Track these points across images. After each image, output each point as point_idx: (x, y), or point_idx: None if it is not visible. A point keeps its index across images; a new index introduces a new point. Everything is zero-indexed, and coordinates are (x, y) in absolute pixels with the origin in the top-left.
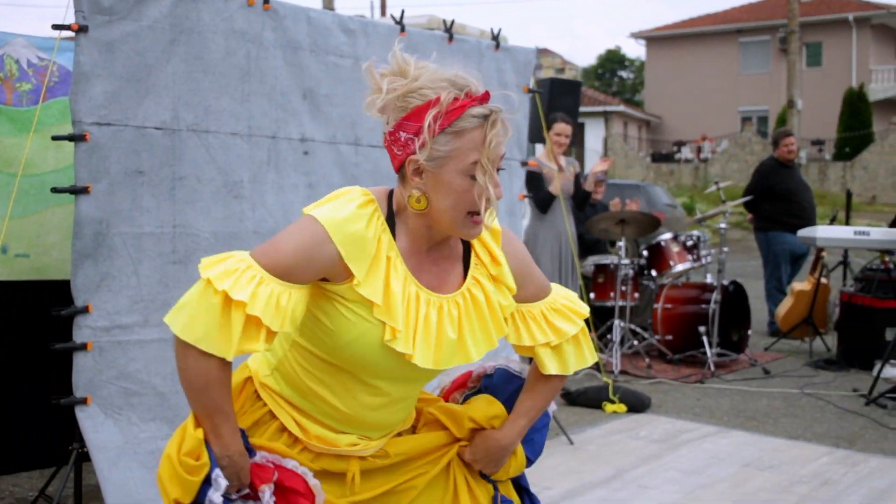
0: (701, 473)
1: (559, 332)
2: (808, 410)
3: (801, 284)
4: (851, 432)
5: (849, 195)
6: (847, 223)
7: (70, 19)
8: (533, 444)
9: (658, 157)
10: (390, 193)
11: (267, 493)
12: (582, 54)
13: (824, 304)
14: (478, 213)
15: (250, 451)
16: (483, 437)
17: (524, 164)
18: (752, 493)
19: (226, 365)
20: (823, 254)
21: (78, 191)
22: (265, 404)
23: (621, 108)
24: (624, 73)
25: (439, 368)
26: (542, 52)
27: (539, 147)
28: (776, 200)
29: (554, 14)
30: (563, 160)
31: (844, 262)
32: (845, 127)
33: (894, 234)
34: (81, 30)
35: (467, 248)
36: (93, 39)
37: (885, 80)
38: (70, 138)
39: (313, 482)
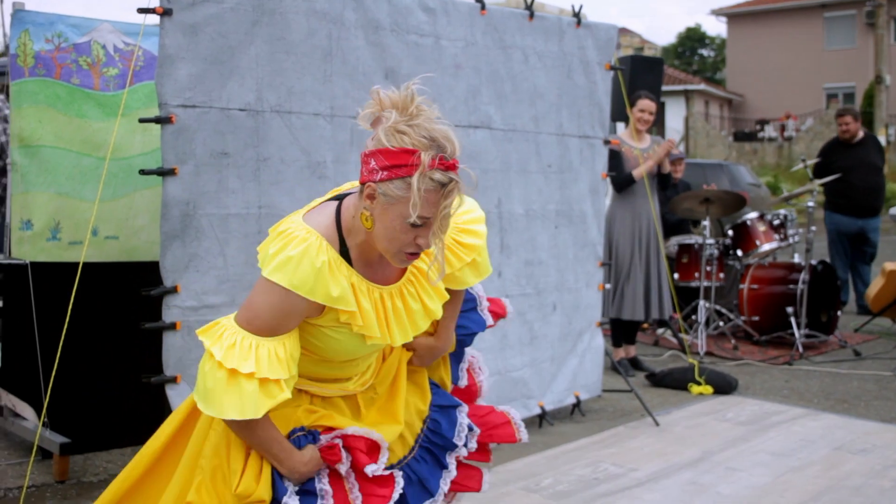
0: (791, 456)
1: (472, 248)
2: None
3: (893, 264)
4: None
5: None
6: None
7: (154, 2)
8: (470, 322)
9: (741, 136)
10: (338, 209)
11: (343, 469)
12: (661, 33)
13: None
14: (415, 254)
15: (314, 436)
16: (427, 347)
17: (606, 142)
18: (844, 477)
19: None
20: None
21: (165, 172)
22: None
23: (702, 86)
24: (704, 52)
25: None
26: (621, 32)
27: (620, 126)
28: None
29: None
30: (647, 139)
31: None
32: None
33: None
34: (166, 13)
35: None
36: (177, 22)
37: None
38: (157, 120)
39: (375, 436)
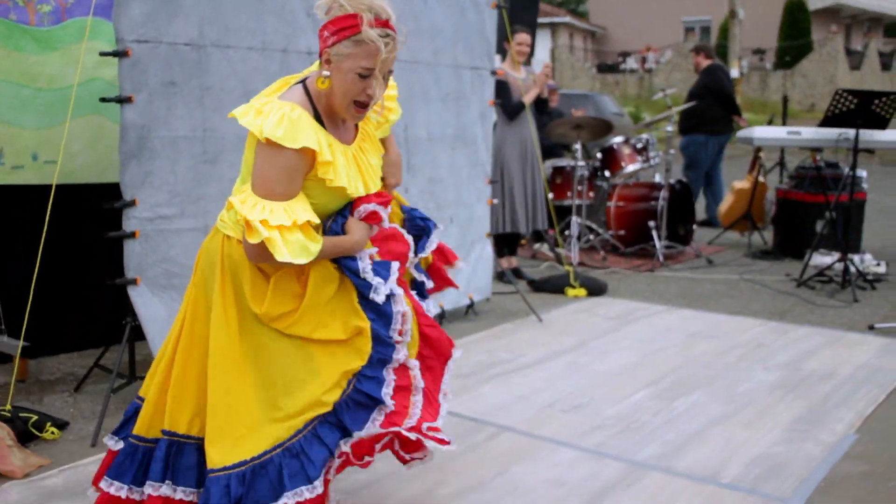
0: (653, 342)
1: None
2: (746, 293)
3: (741, 183)
4: (783, 309)
5: (785, 100)
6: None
7: None
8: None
9: (603, 68)
10: (304, 86)
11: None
12: None
13: (762, 200)
14: (363, 105)
15: (343, 214)
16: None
17: (493, 73)
18: (697, 356)
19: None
20: (761, 154)
21: (123, 100)
22: None
23: (567, 19)
24: None
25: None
26: None
27: (497, 59)
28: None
29: None
30: (523, 70)
31: (781, 163)
32: (785, 36)
33: (823, 132)
34: None
35: None
36: None
37: None
38: (114, 54)
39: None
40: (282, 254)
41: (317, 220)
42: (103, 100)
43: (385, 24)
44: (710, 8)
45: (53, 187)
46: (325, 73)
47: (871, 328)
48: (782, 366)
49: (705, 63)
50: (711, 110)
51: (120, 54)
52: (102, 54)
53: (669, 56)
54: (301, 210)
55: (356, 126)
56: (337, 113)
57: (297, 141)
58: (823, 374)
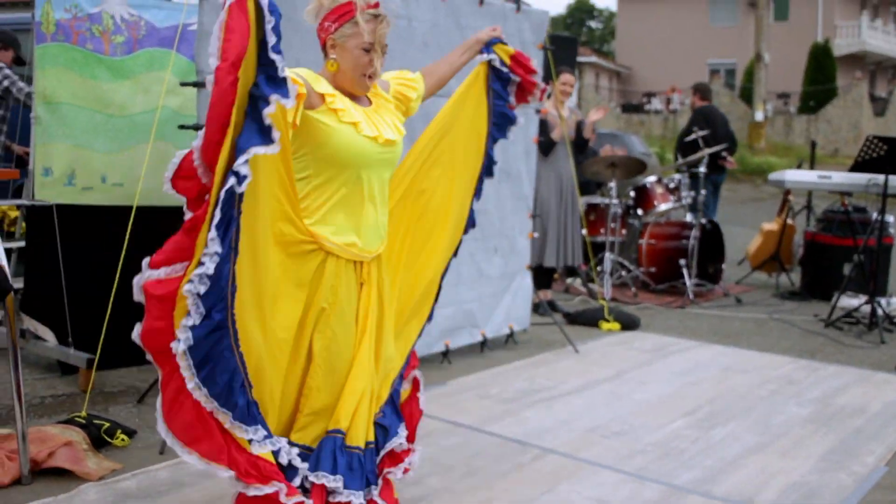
0: (688, 374)
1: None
2: (776, 331)
3: (770, 225)
4: (812, 347)
5: (813, 145)
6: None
7: None
8: None
9: (628, 108)
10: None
11: None
12: (551, 3)
13: (790, 242)
14: (371, 77)
15: None
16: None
17: (538, 111)
18: (731, 389)
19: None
20: (790, 197)
21: (199, 128)
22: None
23: (594, 58)
24: (592, 23)
25: (397, 139)
26: None
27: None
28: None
29: None
30: (566, 108)
31: (808, 206)
32: (810, 81)
33: (853, 177)
34: None
35: None
36: (212, 4)
37: (850, 35)
38: (194, 85)
39: None
40: None
41: None
42: (182, 127)
43: (375, 6)
44: (736, 51)
45: (134, 208)
46: (333, 56)
47: None
48: (814, 401)
49: (700, 104)
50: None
51: (199, 85)
52: (183, 84)
53: None
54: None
55: (369, 100)
56: (347, 89)
57: (313, 84)
58: (854, 410)
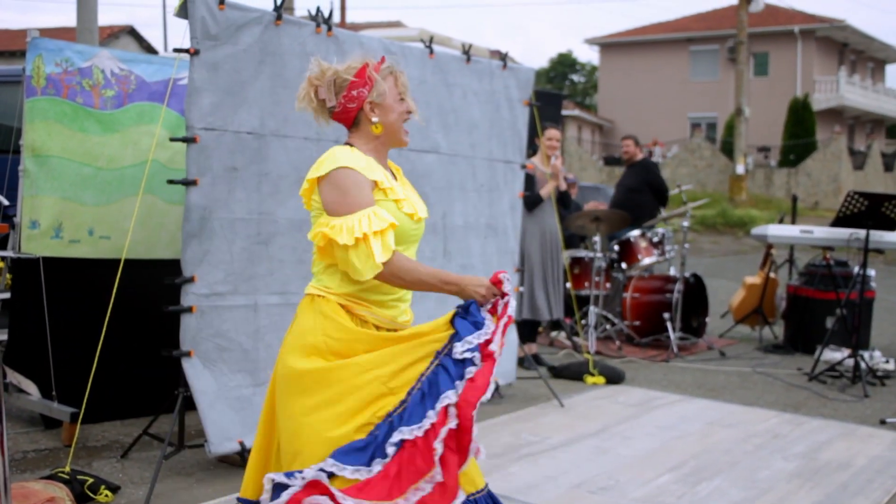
0: (673, 429)
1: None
2: (760, 385)
3: (753, 278)
4: (796, 401)
5: (794, 199)
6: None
7: (187, 43)
8: None
9: (611, 161)
10: (345, 145)
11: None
12: (534, 57)
13: (772, 296)
14: (408, 121)
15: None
16: None
17: (523, 166)
18: (716, 443)
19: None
20: (772, 250)
21: (188, 182)
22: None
23: (576, 112)
24: (575, 77)
25: (425, 217)
26: (493, 54)
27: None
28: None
29: (506, 18)
30: (559, 165)
31: (790, 260)
32: (790, 135)
33: (835, 232)
34: (195, 53)
35: None
36: (203, 60)
37: (828, 90)
38: (184, 140)
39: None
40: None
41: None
42: (171, 181)
43: (381, 60)
44: (717, 105)
45: (122, 261)
46: (375, 119)
47: (883, 422)
48: (799, 455)
49: (640, 156)
50: (648, 204)
51: (189, 140)
52: (172, 140)
53: (676, 151)
54: (387, 213)
55: (393, 173)
56: (388, 148)
57: (368, 172)
58: (839, 465)
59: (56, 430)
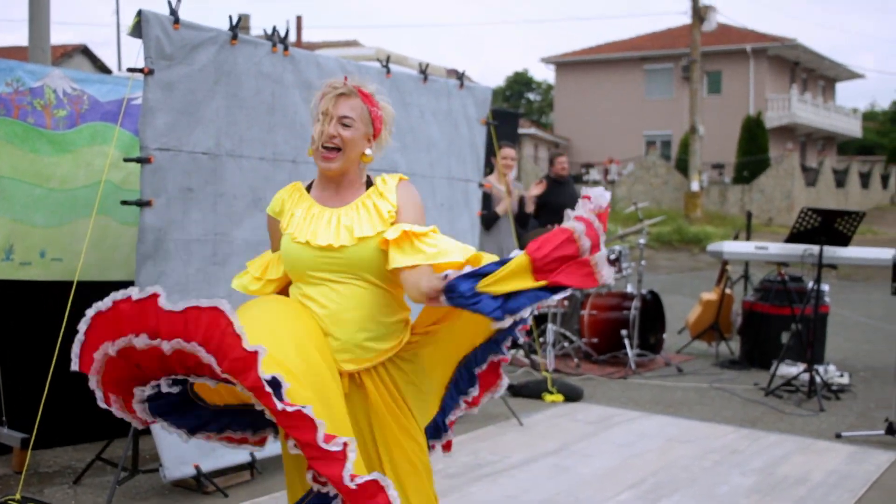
0: (632, 446)
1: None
2: (717, 400)
3: (709, 294)
4: (754, 416)
5: (749, 216)
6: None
7: (141, 63)
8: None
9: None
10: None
11: None
12: (490, 75)
13: (728, 312)
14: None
15: None
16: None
17: (481, 185)
18: (675, 460)
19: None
20: (728, 266)
21: (143, 203)
22: None
23: (532, 130)
24: (531, 95)
25: (330, 245)
26: (450, 73)
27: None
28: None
29: (461, 37)
30: (511, 182)
31: (745, 276)
32: (743, 152)
33: (789, 248)
34: (150, 73)
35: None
36: (157, 80)
37: (781, 108)
38: (138, 160)
39: None
40: None
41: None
42: (125, 202)
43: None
44: (671, 123)
45: (75, 284)
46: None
47: (839, 436)
48: (757, 471)
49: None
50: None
51: (143, 160)
52: (127, 160)
53: (631, 168)
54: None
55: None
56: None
57: (276, 205)
58: (797, 479)
59: (6, 457)
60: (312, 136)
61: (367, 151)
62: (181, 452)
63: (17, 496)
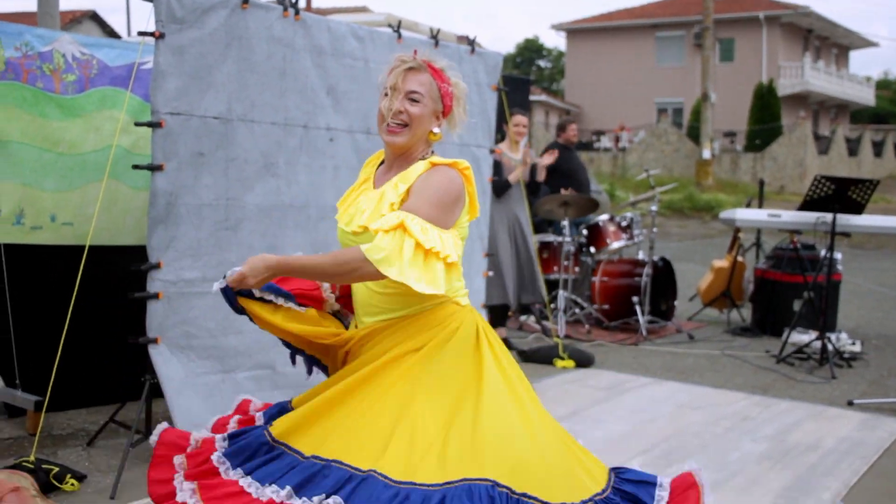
0: (644, 411)
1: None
2: (728, 367)
3: (720, 262)
4: (765, 383)
5: (761, 183)
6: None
7: (151, 27)
8: None
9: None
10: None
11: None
12: (501, 42)
13: (740, 279)
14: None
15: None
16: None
17: (492, 151)
18: (686, 426)
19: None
20: (740, 234)
21: (154, 168)
22: None
23: (543, 97)
24: (542, 62)
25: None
26: (460, 39)
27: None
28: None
29: (472, 3)
30: (520, 149)
31: (757, 243)
32: (755, 120)
33: (802, 216)
34: (161, 36)
35: None
36: (168, 44)
37: (793, 75)
38: (149, 125)
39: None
40: None
41: None
42: (136, 167)
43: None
44: (683, 90)
45: (87, 248)
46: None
47: (851, 404)
48: (768, 437)
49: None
50: None
51: (154, 125)
52: (138, 124)
53: (643, 136)
54: None
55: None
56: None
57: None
58: (808, 446)
59: (20, 419)
60: (380, 111)
61: (436, 129)
62: (193, 415)
63: (32, 458)
